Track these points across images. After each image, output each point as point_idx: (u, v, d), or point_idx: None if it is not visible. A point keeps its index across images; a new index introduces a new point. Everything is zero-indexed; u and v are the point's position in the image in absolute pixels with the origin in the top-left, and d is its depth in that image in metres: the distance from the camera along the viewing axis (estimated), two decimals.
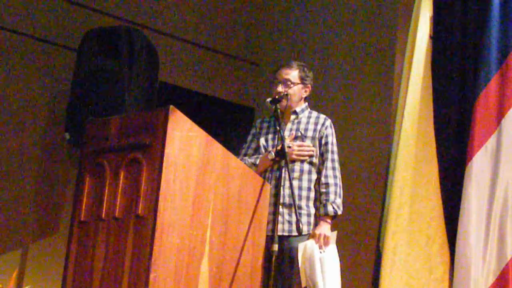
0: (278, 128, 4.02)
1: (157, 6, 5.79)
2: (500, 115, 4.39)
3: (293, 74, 4.21)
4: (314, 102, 4.50)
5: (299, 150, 4.11)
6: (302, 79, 4.22)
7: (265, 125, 4.30)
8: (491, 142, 4.37)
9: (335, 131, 4.22)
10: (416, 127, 4.59)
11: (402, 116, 4.63)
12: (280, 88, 4.17)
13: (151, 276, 3.43)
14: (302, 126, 4.20)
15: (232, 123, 6.01)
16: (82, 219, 3.78)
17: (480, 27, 4.56)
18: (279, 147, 3.98)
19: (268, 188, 3.98)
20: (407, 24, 4.88)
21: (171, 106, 3.61)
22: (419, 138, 4.58)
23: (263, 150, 4.21)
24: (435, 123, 4.61)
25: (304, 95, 4.26)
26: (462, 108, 4.60)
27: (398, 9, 5.23)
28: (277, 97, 4.11)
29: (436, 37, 4.72)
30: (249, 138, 4.31)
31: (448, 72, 4.69)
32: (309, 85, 4.26)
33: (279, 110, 4.06)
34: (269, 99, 4.13)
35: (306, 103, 4.30)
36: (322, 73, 5.64)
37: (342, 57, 5.58)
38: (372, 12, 5.45)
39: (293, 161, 4.09)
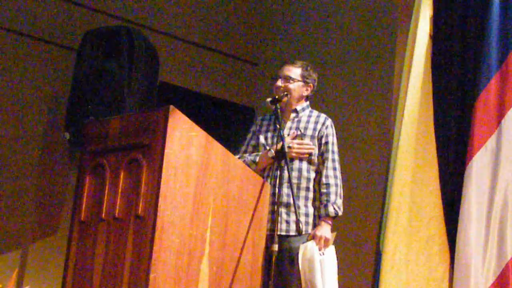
0: (278, 127, 4.01)
1: (157, 6, 5.79)
2: (500, 115, 4.38)
3: (294, 71, 4.20)
4: (314, 102, 4.50)
5: (298, 148, 4.10)
6: (304, 77, 4.21)
7: (266, 122, 4.28)
8: (491, 142, 4.37)
9: (335, 131, 4.21)
10: (416, 127, 4.58)
11: (402, 116, 4.63)
12: (279, 83, 4.17)
13: (151, 276, 3.43)
14: (302, 125, 4.19)
15: (232, 123, 6.01)
16: (82, 219, 3.78)
17: (480, 27, 4.56)
18: (279, 147, 3.97)
19: (268, 187, 3.98)
20: (407, 24, 4.88)
21: (171, 106, 3.61)
22: (419, 138, 4.58)
23: (262, 148, 4.20)
24: (435, 123, 4.61)
25: (305, 93, 4.24)
26: (462, 108, 4.59)
27: (398, 9, 5.23)
28: (277, 96, 4.10)
29: (436, 37, 4.72)
30: (249, 135, 4.29)
31: (448, 72, 4.68)
32: (311, 85, 4.24)
33: (279, 110, 4.06)
34: (269, 99, 4.11)
35: (308, 102, 4.28)
36: (321, 73, 5.63)
37: (342, 57, 5.58)
38: (372, 12, 5.45)
39: (292, 159, 4.07)
